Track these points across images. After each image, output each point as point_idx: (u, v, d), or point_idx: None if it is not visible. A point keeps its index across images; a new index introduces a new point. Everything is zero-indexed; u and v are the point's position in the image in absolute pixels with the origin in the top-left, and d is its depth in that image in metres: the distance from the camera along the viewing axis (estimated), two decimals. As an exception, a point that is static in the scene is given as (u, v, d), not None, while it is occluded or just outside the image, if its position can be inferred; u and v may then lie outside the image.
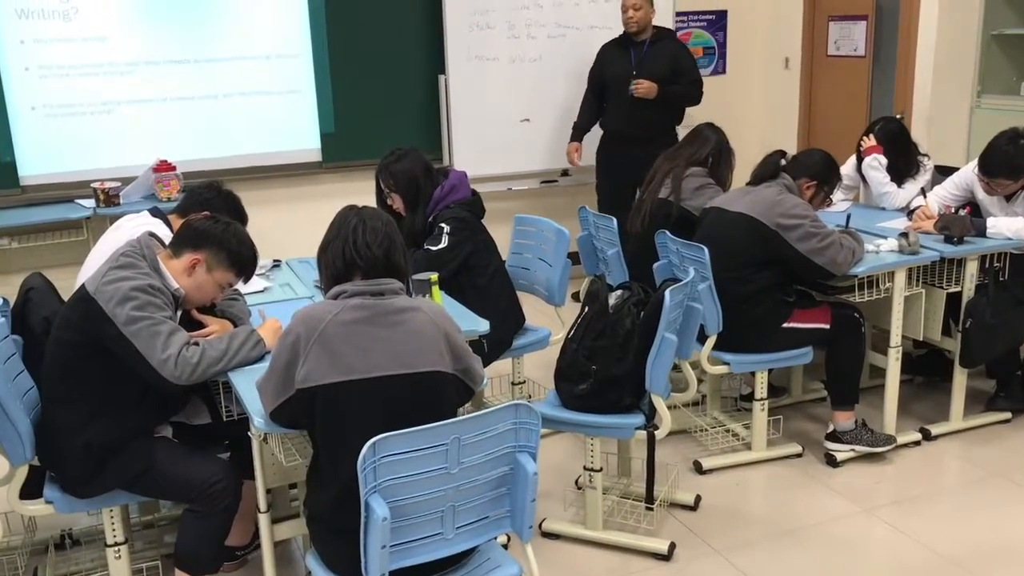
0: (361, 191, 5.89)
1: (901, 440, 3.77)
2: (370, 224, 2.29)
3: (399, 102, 5.82)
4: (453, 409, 2.30)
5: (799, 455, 3.78)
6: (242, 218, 3.34)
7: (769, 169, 3.74)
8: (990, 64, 5.64)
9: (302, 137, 5.68)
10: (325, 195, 5.78)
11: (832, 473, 3.65)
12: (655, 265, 3.82)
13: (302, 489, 2.77)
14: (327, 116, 5.68)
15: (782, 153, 3.80)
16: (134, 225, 3.20)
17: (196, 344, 2.60)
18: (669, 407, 3.06)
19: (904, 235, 3.69)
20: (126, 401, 2.63)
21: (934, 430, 3.89)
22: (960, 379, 3.90)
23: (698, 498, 3.43)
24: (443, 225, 3.55)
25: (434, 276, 2.90)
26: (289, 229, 4.98)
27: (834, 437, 3.71)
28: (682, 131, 6.10)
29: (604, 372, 3.06)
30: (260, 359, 2.70)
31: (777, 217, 3.52)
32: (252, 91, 5.52)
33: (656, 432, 3.04)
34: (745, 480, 3.64)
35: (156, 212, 3.31)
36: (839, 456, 3.69)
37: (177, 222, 3.27)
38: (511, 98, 5.91)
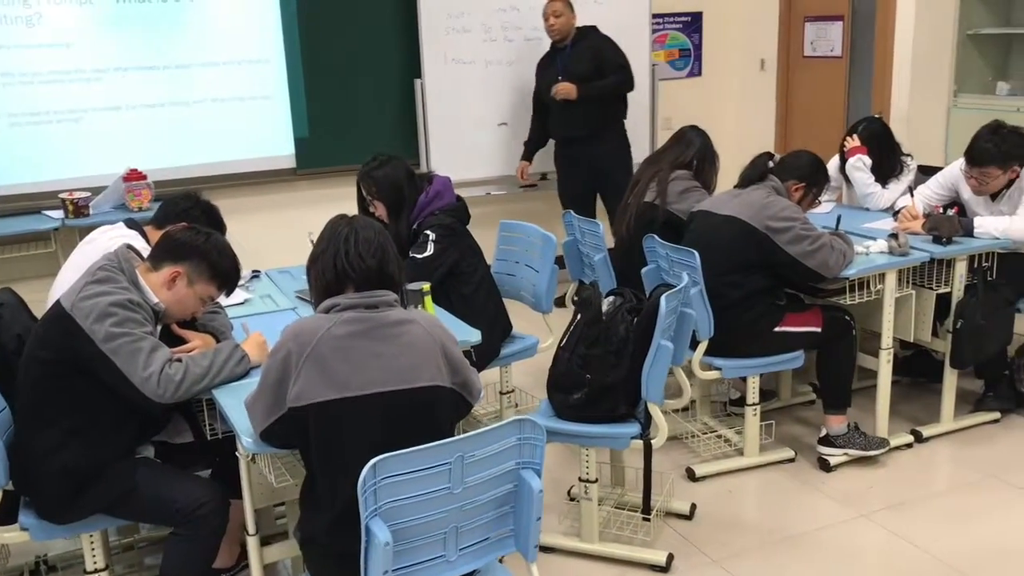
0: (337, 197, 5.81)
1: (893, 443, 3.74)
2: (362, 234, 2.20)
3: (374, 106, 5.72)
4: (452, 425, 2.22)
5: (792, 460, 3.73)
6: (221, 228, 3.24)
7: (757, 171, 3.70)
8: (966, 64, 5.66)
9: (276, 143, 5.57)
10: (300, 202, 5.68)
11: (825, 478, 3.61)
12: (644, 270, 3.76)
13: (290, 508, 2.70)
14: (301, 121, 5.57)
15: (770, 155, 3.77)
16: (109, 237, 3.09)
17: (179, 361, 2.50)
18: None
19: (893, 236, 3.66)
20: (105, 421, 2.52)
21: (925, 431, 3.86)
22: (951, 380, 3.88)
23: (693, 507, 3.37)
24: (428, 232, 3.47)
25: (426, 286, 2.81)
26: (265, 238, 4.88)
27: (827, 441, 3.68)
28: (640, 127, 6.18)
29: (598, 381, 2.99)
30: (245, 375, 2.61)
31: (767, 220, 3.48)
32: (224, 97, 5.39)
33: (653, 441, 2.98)
34: (738, 487, 3.59)
35: (131, 223, 3.20)
36: (832, 461, 3.65)
37: (153, 234, 3.17)
38: (488, 102, 5.84)
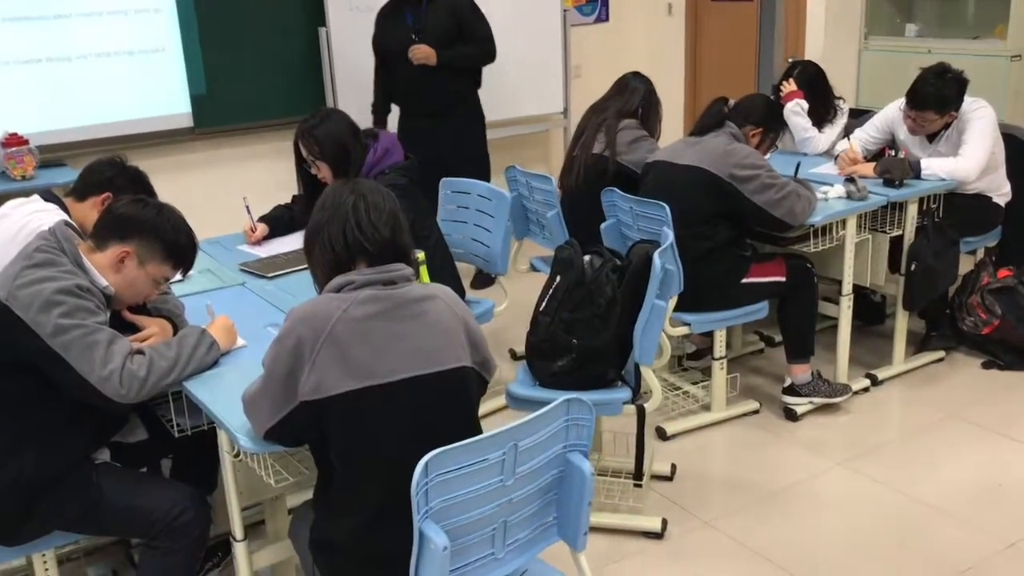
0: (240, 157, 5.42)
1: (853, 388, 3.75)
2: (371, 199, 1.95)
3: (277, 59, 5.31)
4: (476, 408, 2.01)
5: (756, 411, 3.69)
6: (151, 197, 2.88)
7: (713, 117, 3.57)
8: (875, 7, 5.71)
9: (170, 101, 5.09)
10: (199, 163, 5.24)
11: (793, 428, 3.59)
12: (603, 225, 3.59)
13: (270, 506, 2.44)
14: (197, 77, 5.11)
15: (724, 100, 3.65)
16: (26, 212, 2.68)
17: (141, 353, 2.18)
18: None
19: (851, 181, 3.63)
20: (57, 424, 2.20)
21: (879, 375, 3.89)
22: (902, 322, 3.91)
23: (674, 467, 3.28)
24: (378, 184, 3.18)
25: (421, 255, 2.56)
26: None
27: (791, 391, 3.64)
28: (553, 77, 6.01)
29: (585, 345, 2.82)
30: (215, 363, 2.32)
31: (731, 168, 3.37)
32: (110, 51, 4.88)
33: (646, 405, 2.85)
34: (710, 443, 3.52)
35: (48, 195, 2.80)
36: (799, 410, 3.62)
37: (75, 207, 2.80)
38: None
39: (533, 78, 5.89)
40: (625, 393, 2.84)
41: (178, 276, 2.47)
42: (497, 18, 5.63)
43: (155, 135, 5.09)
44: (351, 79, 5.35)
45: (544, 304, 2.93)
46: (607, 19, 6.64)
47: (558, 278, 2.93)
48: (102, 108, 4.90)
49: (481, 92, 5.20)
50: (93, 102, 4.87)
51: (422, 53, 4.64)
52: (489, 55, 4.85)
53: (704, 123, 3.59)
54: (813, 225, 3.46)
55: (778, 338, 4.23)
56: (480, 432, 1.96)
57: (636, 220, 3.42)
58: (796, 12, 5.71)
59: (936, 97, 3.79)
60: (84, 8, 4.77)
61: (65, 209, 2.78)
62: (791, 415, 3.62)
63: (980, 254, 4.15)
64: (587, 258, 2.95)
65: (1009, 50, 5.16)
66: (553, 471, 1.88)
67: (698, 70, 6.48)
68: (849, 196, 3.59)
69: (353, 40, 5.32)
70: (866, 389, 3.83)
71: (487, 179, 4.52)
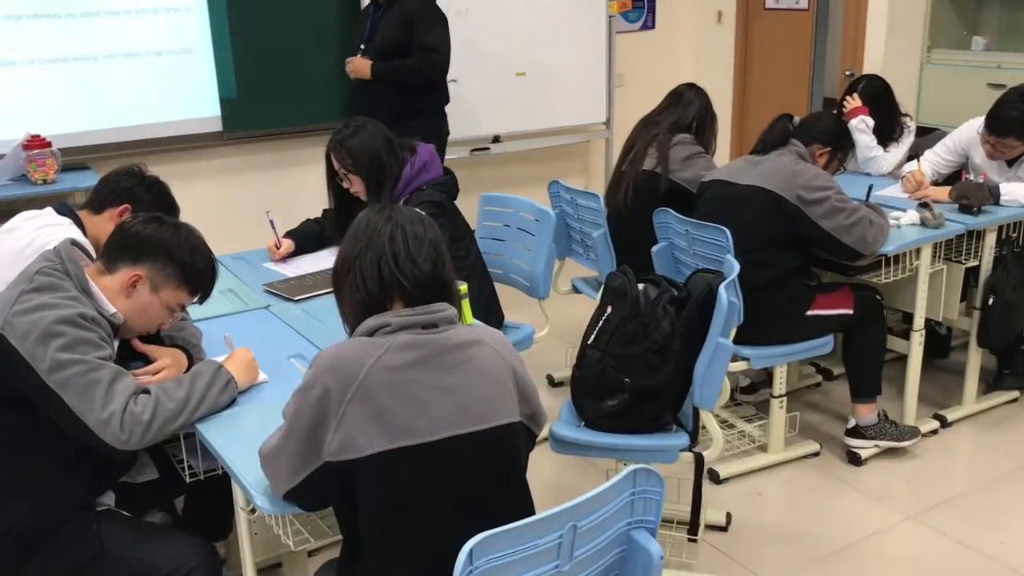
0: (270, 165, 5.20)
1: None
2: (411, 230, 1.70)
3: (311, 61, 5.07)
4: (525, 470, 1.76)
5: (816, 454, 3.41)
6: (172, 210, 2.69)
7: (778, 135, 3.32)
8: (939, 18, 5.39)
9: (199, 104, 4.87)
10: (227, 170, 5.02)
11: (857, 473, 3.30)
12: (654, 249, 3.34)
13: (288, 559, 2.21)
14: (227, 79, 4.89)
15: (789, 117, 3.39)
16: (36, 227, 2.48)
17: (147, 392, 1.95)
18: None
19: (924, 206, 3.34)
20: (55, 467, 1.98)
21: (948, 416, 3.59)
22: (975, 360, 3.62)
23: (728, 516, 3.01)
24: (418, 211, 2.95)
25: (464, 287, 2.31)
26: (192, 214, 4.20)
27: (856, 432, 3.36)
28: (596, 86, 5.75)
29: (639, 384, 2.56)
30: (232, 403, 2.09)
31: (798, 190, 3.10)
32: (138, 51, 4.67)
33: (706, 454, 2.58)
34: (767, 488, 3.25)
35: (62, 208, 2.59)
36: (863, 454, 3.34)
37: (90, 220, 2.60)
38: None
39: (574, 87, 5.62)
40: (682, 440, 2.57)
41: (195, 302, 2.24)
42: (539, 23, 5.43)
43: (182, 139, 4.87)
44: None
45: (593, 337, 2.67)
46: (653, 26, 6.36)
47: (609, 308, 2.67)
48: (128, 110, 4.69)
49: (519, 101, 4.96)
50: (119, 104, 4.67)
51: (354, 67, 4.20)
52: (432, 66, 4.17)
53: (767, 140, 3.33)
54: (885, 254, 3.18)
55: (836, 371, 3.97)
56: (530, 498, 1.73)
57: (692, 244, 3.15)
58: (856, 22, 5.40)
59: (1019, 122, 3.50)
60: (112, 6, 4.57)
61: (79, 223, 2.58)
62: (855, 459, 3.34)
63: (1059, 287, 3.84)
64: (641, 286, 2.70)
65: (1086, 66, 4.84)
66: (615, 551, 1.62)
67: (747, 82, 6.18)
68: (923, 223, 3.31)
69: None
70: (935, 431, 3.54)
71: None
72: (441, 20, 4.18)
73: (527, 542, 1.44)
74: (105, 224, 2.54)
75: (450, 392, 1.61)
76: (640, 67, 6.12)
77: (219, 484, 2.12)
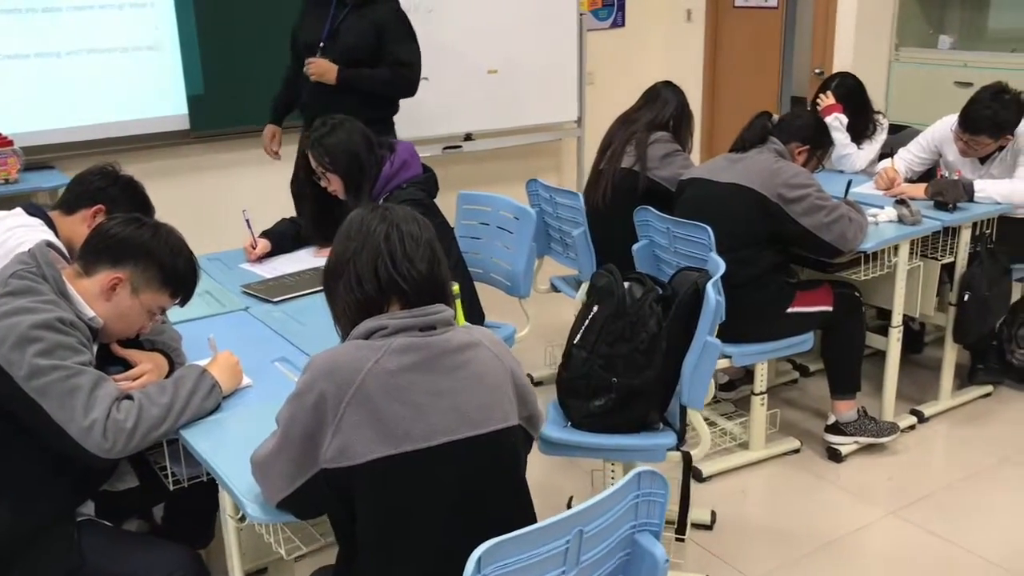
0: (238, 163, 5.11)
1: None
2: (407, 229, 1.66)
3: (279, 58, 4.98)
4: (524, 474, 1.73)
5: (797, 451, 3.42)
6: (147, 210, 2.60)
7: (756, 133, 3.31)
8: (906, 17, 5.45)
9: (165, 101, 4.78)
10: (195, 169, 4.94)
11: (838, 469, 3.31)
12: (635, 247, 3.32)
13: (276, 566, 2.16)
14: (194, 76, 4.80)
15: (769, 115, 3.39)
16: (6, 228, 2.39)
17: (129, 398, 1.89)
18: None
19: (902, 203, 3.36)
20: (33, 476, 1.91)
21: (926, 411, 3.62)
22: (951, 356, 3.65)
23: (713, 515, 3.00)
24: (411, 210, 2.89)
25: (456, 287, 2.27)
26: (158, 213, 4.15)
27: (835, 429, 3.37)
28: (568, 85, 5.71)
29: (626, 384, 2.54)
30: (216, 408, 2.03)
31: (779, 188, 3.10)
32: (102, 47, 4.57)
33: (693, 452, 2.57)
34: (750, 486, 3.25)
35: (33, 209, 2.50)
36: (844, 450, 3.35)
37: (62, 221, 2.51)
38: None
39: (546, 85, 5.61)
40: (669, 439, 2.55)
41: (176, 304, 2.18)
42: (509, 21, 5.40)
43: (148, 137, 4.78)
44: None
45: (579, 337, 2.65)
46: (623, 24, 6.36)
47: (595, 308, 2.65)
48: (93, 108, 4.59)
49: (491, 98, 4.91)
50: (83, 101, 4.57)
51: (318, 69, 3.80)
52: (408, 84, 3.90)
53: (747, 138, 3.32)
54: (864, 251, 3.19)
55: (812, 367, 3.99)
56: (530, 500, 1.70)
57: (673, 242, 3.14)
58: (825, 21, 5.43)
59: (992, 121, 3.53)
60: (75, 1, 4.47)
61: (51, 224, 2.50)
62: (835, 456, 3.35)
63: (1030, 282, 3.90)
64: (626, 285, 2.68)
65: (1050, 64, 4.91)
66: (620, 554, 1.59)
67: (717, 80, 6.21)
68: (901, 220, 3.33)
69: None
70: (912, 427, 3.57)
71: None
72: (413, 35, 3.94)
73: (534, 549, 1.41)
74: (78, 225, 2.47)
75: (448, 396, 1.57)
76: (610, 65, 6.11)
77: (201, 490, 2.07)
